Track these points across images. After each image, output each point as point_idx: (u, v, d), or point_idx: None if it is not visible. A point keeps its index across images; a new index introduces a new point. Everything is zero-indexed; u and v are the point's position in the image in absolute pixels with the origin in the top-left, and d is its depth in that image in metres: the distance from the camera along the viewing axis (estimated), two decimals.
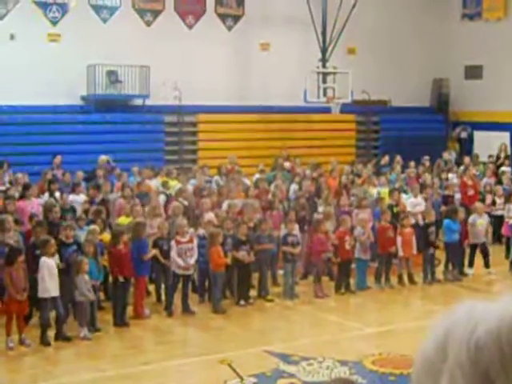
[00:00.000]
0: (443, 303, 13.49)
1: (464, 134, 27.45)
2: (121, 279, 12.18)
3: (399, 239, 14.75)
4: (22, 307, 11.12)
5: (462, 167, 21.67)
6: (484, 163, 22.61)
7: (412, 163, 20.86)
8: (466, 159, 22.41)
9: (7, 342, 10.94)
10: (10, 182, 16.99)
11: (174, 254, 12.85)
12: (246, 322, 12.78)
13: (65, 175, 17.86)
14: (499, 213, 17.89)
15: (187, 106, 23.10)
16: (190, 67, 23.38)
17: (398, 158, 21.29)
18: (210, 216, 14.43)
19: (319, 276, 14.15)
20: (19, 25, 21.41)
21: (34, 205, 14.77)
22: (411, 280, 14.98)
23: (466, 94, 27.53)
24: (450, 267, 15.41)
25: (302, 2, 24.02)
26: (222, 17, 25.02)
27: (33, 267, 11.29)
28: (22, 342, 11.05)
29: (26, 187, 15.36)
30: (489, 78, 26.93)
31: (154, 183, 17.67)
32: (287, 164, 21.01)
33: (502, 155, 23.71)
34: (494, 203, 18.44)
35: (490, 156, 23.54)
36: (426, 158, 21.96)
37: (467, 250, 15.74)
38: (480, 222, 15.72)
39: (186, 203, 15.50)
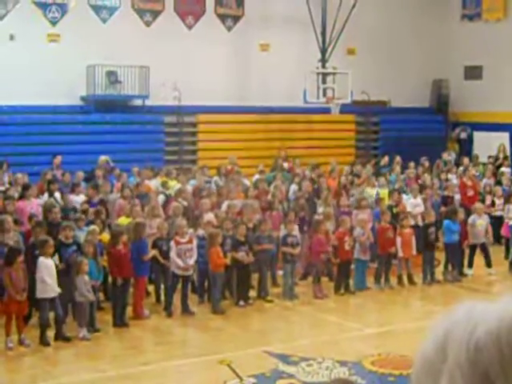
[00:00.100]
0: (443, 304, 13.50)
1: (464, 135, 27.44)
2: (119, 281, 12.19)
3: (399, 240, 14.75)
4: (22, 307, 11.12)
5: (461, 168, 21.64)
6: (484, 164, 22.60)
7: (411, 164, 20.83)
8: (466, 160, 22.42)
9: (7, 342, 10.94)
10: (10, 183, 16.98)
11: (173, 254, 12.84)
12: (246, 322, 12.77)
13: (64, 175, 17.83)
14: (498, 213, 17.90)
15: (187, 107, 23.08)
16: (189, 67, 23.35)
17: (398, 158, 21.27)
18: (209, 216, 14.43)
19: (319, 276, 14.15)
20: (19, 25, 21.38)
21: (34, 205, 14.76)
22: (411, 280, 14.97)
23: (466, 95, 27.51)
24: (450, 268, 15.42)
25: (302, 2, 24.00)
26: (222, 17, 25.01)
27: (32, 267, 11.30)
28: (21, 342, 11.05)
29: (25, 187, 15.35)
30: (488, 79, 26.92)
31: (154, 183, 17.66)
32: (285, 164, 21.01)
33: (501, 156, 23.73)
34: (493, 204, 18.45)
35: (490, 157, 23.54)
36: (426, 158, 21.95)
37: (467, 251, 15.75)
38: (479, 223, 15.72)
39: (185, 204, 15.48)
